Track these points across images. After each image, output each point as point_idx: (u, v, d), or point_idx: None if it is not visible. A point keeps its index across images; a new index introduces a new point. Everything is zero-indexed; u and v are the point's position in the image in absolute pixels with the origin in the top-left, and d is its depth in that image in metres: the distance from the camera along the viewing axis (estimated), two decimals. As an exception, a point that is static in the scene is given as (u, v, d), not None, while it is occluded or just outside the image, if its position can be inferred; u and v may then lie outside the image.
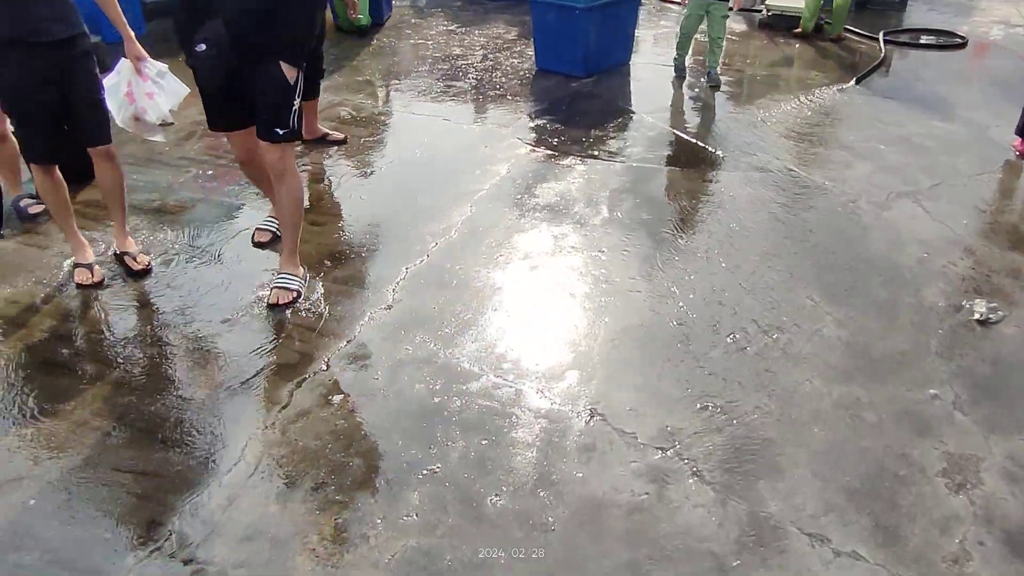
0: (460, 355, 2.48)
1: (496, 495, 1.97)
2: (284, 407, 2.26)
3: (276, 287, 2.76)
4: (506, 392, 2.33)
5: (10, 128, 3.04)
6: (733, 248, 3.12)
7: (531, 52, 5.49)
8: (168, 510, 1.93)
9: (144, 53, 2.86)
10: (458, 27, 6.38)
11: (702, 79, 5.08)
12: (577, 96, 4.91)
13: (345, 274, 2.96)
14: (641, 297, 2.81)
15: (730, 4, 4.94)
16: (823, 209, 3.43)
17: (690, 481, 2.02)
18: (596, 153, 4.06)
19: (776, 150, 4.05)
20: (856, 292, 2.82)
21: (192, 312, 2.72)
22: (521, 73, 5.35)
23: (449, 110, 4.67)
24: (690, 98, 4.93)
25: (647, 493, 1.99)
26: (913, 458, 2.10)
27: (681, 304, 2.76)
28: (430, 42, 6.01)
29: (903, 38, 6.07)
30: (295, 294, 2.76)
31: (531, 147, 4.13)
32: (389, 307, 2.74)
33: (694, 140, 4.24)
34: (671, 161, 4.02)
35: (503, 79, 5.22)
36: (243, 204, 3.45)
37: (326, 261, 3.04)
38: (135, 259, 2.89)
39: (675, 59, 5.15)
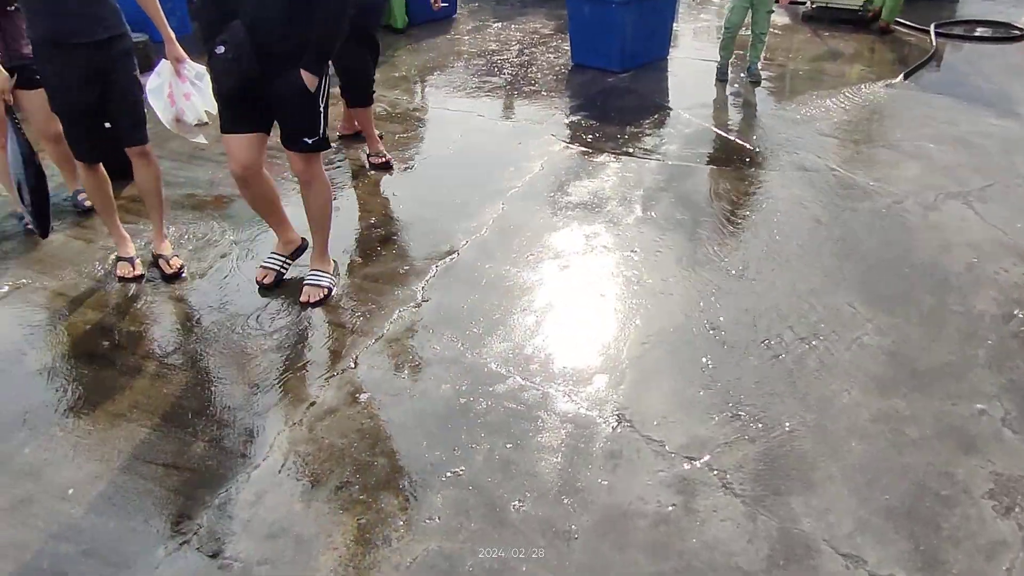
0: (487, 355, 2.47)
1: (519, 500, 1.95)
2: (312, 404, 2.28)
3: (308, 284, 2.79)
4: (533, 395, 2.31)
5: None
6: (771, 251, 3.03)
7: (567, 47, 5.43)
8: (198, 504, 1.96)
9: (184, 55, 2.89)
10: (495, 22, 6.35)
11: (742, 75, 4.94)
12: (613, 92, 4.83)
13: (376, 271, 2.96)
14: (674, 300, 2.75)
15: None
16: (867, 211, 3.30)
17: (719, 493, 1.96)
18: (631, 150, 3.99)
19: (818, 149, 3.91)
20: (900, 299, 2.71)
21: (227, 307, 2.76)
22: (557, 68, 5.29)
23: (484, 106, 4.65)
24: (729, 94, 4.80)
25: (674, 504, 1.94)
26: (958, 477, 2.00)
27: (715, 308, 2.69)
28: (466, 37, 5.99)
29: (956, 31, 5.79)
30: (326, 291, 2.78)
31: (565, 144, 4.08)
32: (418, 305, 2.74)
33: (732, 137, 4.13)
34: (708, 159, 3.92)
35: (538, 75, 5.18)
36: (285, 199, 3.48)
37: (357, 258, 3.05)
38: (168, 262, 2.94)
39: (719, 62, 4.89)
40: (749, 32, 4.80)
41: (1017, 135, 3.98)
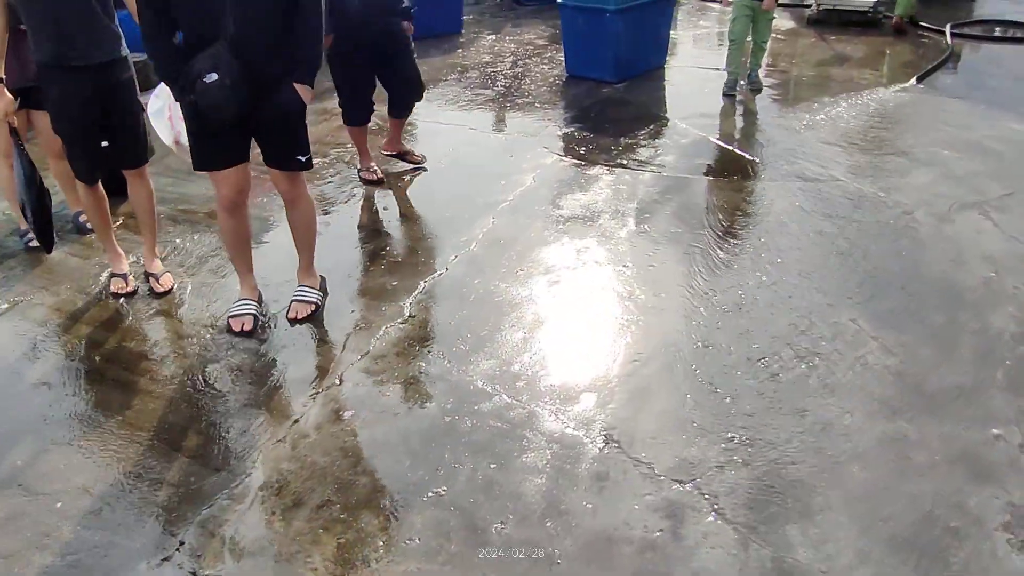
0: (474, 373, 2.42)
1: (501, 523, 1.89)
2: (296, 421, 2.26)
3: (295, 300, 2.77)
4: (519, 413, 2.24)
5: None
6: (769, 264, 2.91)
7: (562, 58, 5.38)
8: (180, 520, 1.96)
9: None
10: (489, 34, 6.33)
11: (742, 82, 4.83)
12: (607, 102, 4.77)
13: (363, 287, 2.93)
14: (666, 316, 2.64)
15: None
16: (873, 222, 3.17)
17: (710, 519, 1.86)
18: (625, 162, 3.90)
19: (822, 158, 3.79)
20: (908, 315, 2.56)
21: (216, 323, 2.76)
22: (551, 80, 5.25)
23: (476, 119, 4.61)
24: (729, 102, 4.69)
25: (661, 530, 1.84)
26: (969, 507, 1.85)
27: (709, 325, 2.57)
28: (460, 50, 5.97)
29: (973, 31, 5.61)
30: (314, 307, 2.76)
31: (558, 156, 4.02)
32: (405, 321, 2.70)
33: (731, 147, 4.03)
34: (705, 170, 3.82)
35: (532, 86, 5.14)
36: (270, 216, 3.46)
37: (345, 274, 3.02)
38: (159, 281, 2.98)
39: (727, 78, 4.68)
40: (750, 39, 4.70)
41: (1037, 141, 3.84)
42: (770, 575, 1.71)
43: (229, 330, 2.67)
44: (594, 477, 2.00)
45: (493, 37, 6.25)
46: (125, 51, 2.74)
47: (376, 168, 3.85)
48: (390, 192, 3.70)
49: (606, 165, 3.87)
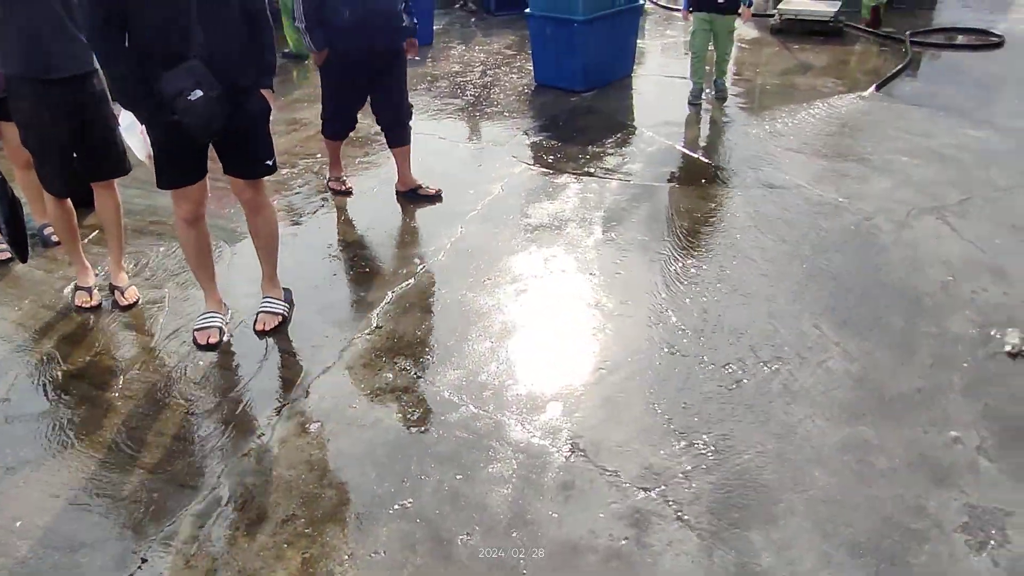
0: (441, 383, 2.40)
1: (467, 534, 1.88)
2: (261, 435, 2.24)
3: (262, 312, 2.74)
4: (485, 423, 2.23)
5: None
6: (733, 272, 2.94)
7: (531, 67, 5.39)
8: (142, 538, 1.92)
9: None
10: (458, 44, 6.33)
11: (709, 91, 4.89)
12: (576, 111, 4.79)
13: (330, 298, 2.90)
14: (633, 323, 2.65)
15: (738, 17, 4.67)
16: (835, 228, 3.22)
17: (674, 526, 1.86)
18: (592, 170, 3.92)
19: (786, 165, 3.85)
20: (869, 321, 2.60)
21: (181, 336, 2.72)
22: (520, 89, 5.26)
23: (445, 128, 4.60)
24: (695, 111, 4.75)
25: (627, 538, 1.84)
26: (929, 510, 1.87)
27: (675, 332, 2.58)
28: (429, 60, 5.95)
29: (932, 39, 5.74)
30: (281, 318, 2.74)
31: (526, 165, 4.02)
32: (372, 332, 2.67)
33: (697, 155, 4.08)
34: (671, 178, 3.85)
35: (501, 96, 5.14)
36: (237, 228, 3.40)
37: (313, 285, 2.98)
38: (124, 294, 2.94)
39: (692, 88, 4.76)
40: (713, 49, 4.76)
41: (995, 147, 3.92)
42: (734, 582, 1.71)
43: (195, 343, 2.62)
44: (560, 486, 1.99)
45: (463, 47, 6.25)
46: (96, 63, 2.69)
47: (345, 179, 3.81)
48: (358, 202, 3.66)
49: (574, 173, 3.88)
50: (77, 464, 2.15)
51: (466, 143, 4.41)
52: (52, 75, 2.56)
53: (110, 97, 2.73)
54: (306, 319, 2.76)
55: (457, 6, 7.71)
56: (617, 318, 2.68)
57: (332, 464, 2.12)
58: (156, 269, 3.16)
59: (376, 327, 2.68)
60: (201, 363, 2.55)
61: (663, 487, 1.97)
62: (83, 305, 2.89)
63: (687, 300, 2.76)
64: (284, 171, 4.08)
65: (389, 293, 2.88)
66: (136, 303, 2.92)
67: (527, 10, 5.14)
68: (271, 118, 2.56)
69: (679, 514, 1.89)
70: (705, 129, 4.48)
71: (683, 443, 2.10)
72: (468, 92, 5.23)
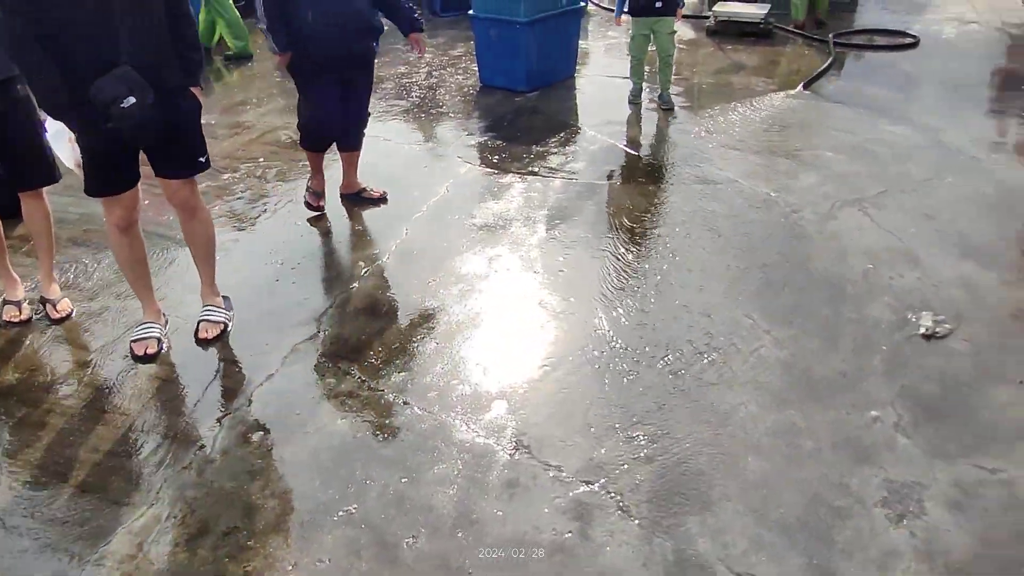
0: (385, 386, 2.40)
1: (413, 537, 1.88)
2: (202, 446, 2.19)
3: (203, 320, 2.69)
4: (430, 425, 2.24)
5: None
6: (671, 266, 3.03)
7: (476, 68, 5.41)
8: (75, 560, 1.86)
9: None
10: (403, 44, 6.26)
11: (655, 100, 5.00)
12: (520, 111, 4.83)
13: (273, 304, 2.86)
14: (575, 319, 2.70)
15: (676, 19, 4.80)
16: (766, 222, 3.35)
17: (615, 517, 1.91)
18: (536, 170, 3.97)
19: (721, 161, 3.98)
20: (797, 309, 2.72)
21: (116, 348, 2.64)
22: (465, 90, 5.27)
23: (391, 130, 4.58)
24: (635, 109, 4.85)
25: (570, 532, 1.88)
26: (851, 488, 1.98)
27: (616, 326, 2.65)
28: (375, 60, 5.88)
29: (854, 40, 6.03)
30: (222, 326, 2.69)
31: (472, 165, 4.04)
32: (316, 337, 2.65)
33: (637, 153, 4.17)
34: (612, 176, 3.92)
35: (446, 96, 5.14)
36: (176, 235, 3.30)
37: (254, 292, 2.93)
38: (55, 307, 2.85)
39: (632, 89, 4.84)
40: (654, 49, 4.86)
41: (911, 142, 4.13)
42: (672, 568, 1.77)
43: (132, 355, 2.56)
44: (505, 484, 2.02)
45: (407, 48, 6.20)
46: (17, 70, 2.59)
47: (324, 198, 3.53)
48: (301, 207, 3.61)
49: (518, 173, 3.92)
50: (4, 485, 2.08)
51: (412, 145, 4.40)
52: None
53: (37, 105, 2.63)
54: (248, 326, 2.71)
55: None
56: (560, 315, 2.73)
57: (275, 473, 2.09)
58: (91, 280, 3.06)
59: (320, 332, 2.66)
60: (139, 375, 2.48)
61: (605, 479, 2.02)
62: (12, 320, 2.80)
63: (628, 295, 2.84)
64: (225, 176, 3.99)
65: (333, 298, 2.86)
66: (69, 316, 2.83)
67: (471, 12, 5.16)
68: (203, 118, 2.52)
69: (620, 505, 1.94)
70: (646, 128, 4.58)
71: (624, 435, 2.17)
72: (414, 93, 5.21)
